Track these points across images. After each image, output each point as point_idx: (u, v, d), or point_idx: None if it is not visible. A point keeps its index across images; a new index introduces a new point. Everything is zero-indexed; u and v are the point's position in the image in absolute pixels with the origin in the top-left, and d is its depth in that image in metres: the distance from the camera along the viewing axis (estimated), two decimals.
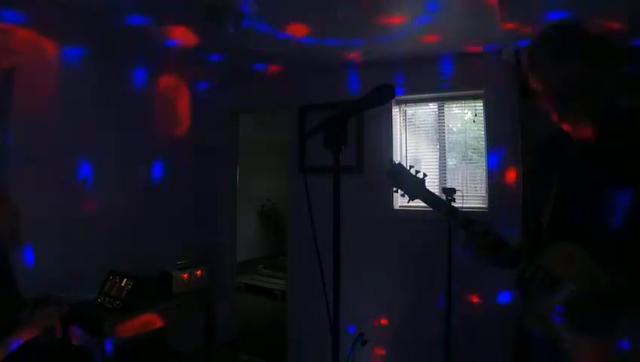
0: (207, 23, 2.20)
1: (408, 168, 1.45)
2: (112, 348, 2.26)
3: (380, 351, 2.96)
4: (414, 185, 1.43)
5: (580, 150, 1.17)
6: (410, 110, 3.13)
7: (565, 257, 1.10)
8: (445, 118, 2.99)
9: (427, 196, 1.40)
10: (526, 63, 1.20)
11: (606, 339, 1.01)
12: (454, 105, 3.02)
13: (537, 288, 1.13)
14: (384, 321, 2.98)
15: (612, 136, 1.10)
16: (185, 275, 2.79)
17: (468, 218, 1.28)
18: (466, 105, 2.96)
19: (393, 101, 2.99)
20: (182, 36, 2.50)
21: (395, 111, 3.09)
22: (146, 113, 3.24)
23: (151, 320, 2.54)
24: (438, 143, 2.99)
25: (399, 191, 1.48)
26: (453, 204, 1.86)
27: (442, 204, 1.38)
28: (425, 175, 1.43)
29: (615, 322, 1.00)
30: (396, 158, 3.06)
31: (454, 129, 3.03)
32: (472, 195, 2.83)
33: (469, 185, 2.89)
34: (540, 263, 1.13)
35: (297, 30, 2.40)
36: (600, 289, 1.02)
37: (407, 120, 3.13)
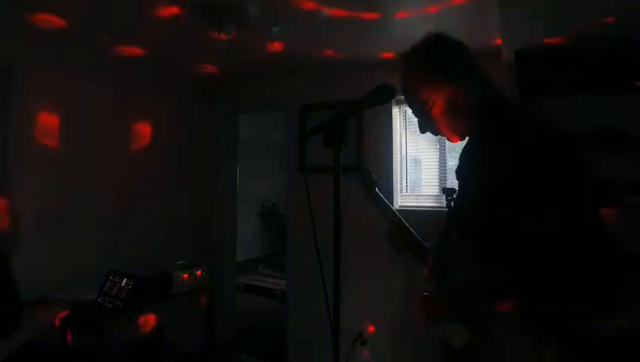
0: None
1: (372, 173, 1.66)
2: (112, 348, 2.26)
3: (380, 351, 2.96)
4: (370, 184, 1.64)
5: (467, 156, 1.26)
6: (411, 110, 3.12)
7: (453, 252, 1.21)
8: None
9: (375, 194, 1.62)
10: (400, 86, 1.19)
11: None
12: None
13: (431, 273, 1.28)
14: (384, 321, 2.98)
15: (481, 145, 1.16)
16: (185, 275, 2.79)
17: (393, 217, 1.51)
18: None
19: (393, 101, 2.99)
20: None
21: (395, 111, 3.09)
22: (146, 115, 3.25)
23: (151, 320, 2.54)
24: (438, 143, 2.99)
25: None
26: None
27: (381, 201, 1.59)
28: (379, 177, 1.66)
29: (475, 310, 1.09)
30: (396, 158, 3.06)
31: None
32: None
33: None
34: (434, 254, 1.29)
35: None
36: (470, 282, 1.11)
37: (407, 120, 3.12)
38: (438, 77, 1.12)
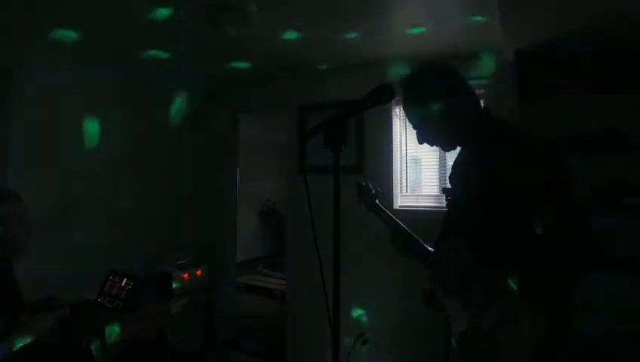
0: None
1: (371, 188, 1.89)
2: (112, 348, 2.26)
3: (380, 351, 2.96)
4: (370, 199, 1.86)
5: (459, 164, 1.45)
6: None
7: (450, 249, 1.35)
8: None
9: (376, 207, 1.83)
10: (401, 100, 1.41)
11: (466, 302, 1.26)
12: None
13: (431, 270, 1.45)
14: (384, 321, 2.98)
15: (472, 153, 1.35)
16: (185, 275, 2.79)
17: (395, 224, 1.66)
18: None
19: (393, 101, 2.99)
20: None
21: (395, 111, 3.09)
22: (145, 114, 3.25)
23: (151, 320, 2.54)
24: None
25: (362, 203, 1.89)
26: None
27: (383, 211, 1.78)
28: (379, 191, 1.90)
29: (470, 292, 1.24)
30: (396, 158, 3.07)
31: None
32: None
33: None
34: (433, 253, 1.48)
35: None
36: (466, 270, 1.26)
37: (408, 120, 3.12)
38: (435, 98, 1.31)
